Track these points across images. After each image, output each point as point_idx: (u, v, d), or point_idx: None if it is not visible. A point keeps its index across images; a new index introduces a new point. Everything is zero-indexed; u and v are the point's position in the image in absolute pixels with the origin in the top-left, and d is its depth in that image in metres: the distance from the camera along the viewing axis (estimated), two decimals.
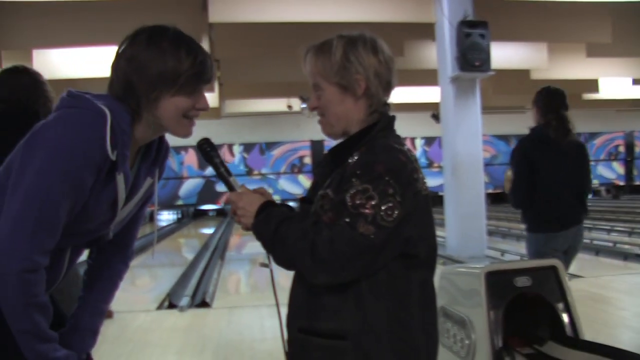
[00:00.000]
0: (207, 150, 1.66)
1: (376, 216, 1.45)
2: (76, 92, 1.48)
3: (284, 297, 1.69)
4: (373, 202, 1.45)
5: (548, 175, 3.82)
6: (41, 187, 1.37)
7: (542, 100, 3.90)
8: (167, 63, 1.47)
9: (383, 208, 1.45)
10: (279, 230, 1.52)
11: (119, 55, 1.51)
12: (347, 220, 1.45)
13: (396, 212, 1.46)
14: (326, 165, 1.66)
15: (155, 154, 1.65)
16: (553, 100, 3.87)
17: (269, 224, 1.54)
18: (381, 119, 1.62)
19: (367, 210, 1.45)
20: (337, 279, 1.49)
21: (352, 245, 1.44)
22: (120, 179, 1.50)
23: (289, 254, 1.51)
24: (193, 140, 1.70)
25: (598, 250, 9.18)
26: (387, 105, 1.65)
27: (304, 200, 1.68)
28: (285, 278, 1.67)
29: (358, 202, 1.45)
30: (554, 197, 3.82)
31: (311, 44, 1.65)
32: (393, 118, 1.65)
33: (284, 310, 1.69)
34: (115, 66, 1.51)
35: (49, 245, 1.41)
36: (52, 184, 1.38)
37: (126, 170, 1.51)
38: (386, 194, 1.46)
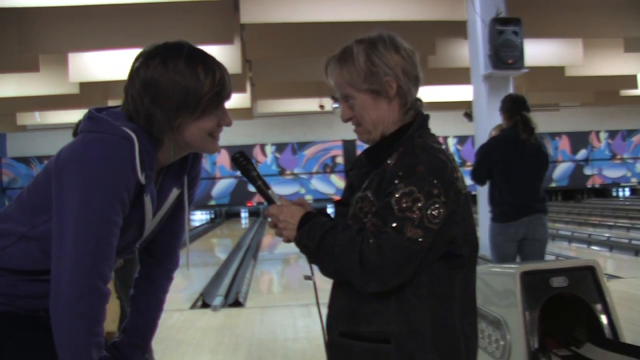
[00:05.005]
0: (243, 164, 1.62)
1: (423, 219, 1.43)
2: (98, 115, 1.45)
3: (322, 297, 1.67)
4: (419, 204, 1.43)
5: (508, 172, 4.31)
6: (89, 216, 1.36)
7: (506, 106, 4.40)
8: (187, 88, 1.43)
9: (429, 210, 1.43)
10: (324, 241, 1.49)
11: (132, 77, 1.47)
12: (394, 225, 1.43)
13: (442, 213, 1.45)
14: (362, 167, 1.64)
15: (180, 164, 1.62)
16: (515, 104, 4.35)
17: (313, 236, 1.51)
18: (416, 118, 1.59)
19: (414, 214, 1.43)
20: (388, 286, 1.47)
21: (401, 251, 1.43)
22: (147, 200, 1.50)
23: (336, 265, 1.49)
24: (225, 140, 1.67)
25: (637, 251, 8.96)
26: (419, 101, 1.63)
27: (340, 203, 1.66)
28: (321, 278, 1.65)
29: (405, 205, 1.43)
30: (512, 192, 4.30)
31: (329, 56, 1.61)
32: (427, 116, 1.62)
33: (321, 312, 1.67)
34: (131, 89, 1.46)
35: (107, 272, 1.41)
36: (99, 211, 1.37)
37: (151, 190, 1.51)
38: (432, 195, 1.44)
